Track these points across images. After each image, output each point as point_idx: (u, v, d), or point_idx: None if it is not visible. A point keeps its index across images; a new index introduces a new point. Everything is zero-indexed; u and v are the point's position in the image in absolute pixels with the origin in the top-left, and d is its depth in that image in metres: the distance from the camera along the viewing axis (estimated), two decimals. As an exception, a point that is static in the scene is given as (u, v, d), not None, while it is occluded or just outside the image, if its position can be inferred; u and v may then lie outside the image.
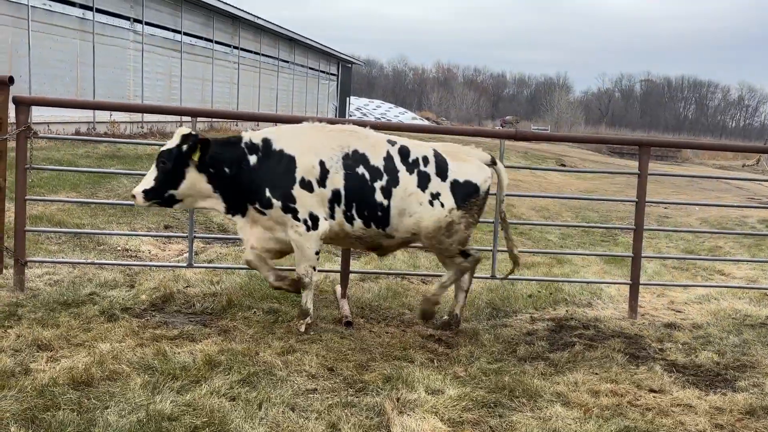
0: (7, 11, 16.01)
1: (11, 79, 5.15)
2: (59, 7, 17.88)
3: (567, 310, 5.81)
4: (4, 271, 5.40)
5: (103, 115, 19.32)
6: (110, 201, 8.59)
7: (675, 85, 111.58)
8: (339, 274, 5.80)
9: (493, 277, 5.81)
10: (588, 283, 6.58)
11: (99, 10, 19.41)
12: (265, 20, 30.08)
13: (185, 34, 24.65)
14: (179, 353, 4.13)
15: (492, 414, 3.62)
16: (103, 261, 6.19)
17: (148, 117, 21.57)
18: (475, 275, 5.25)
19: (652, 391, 4.09)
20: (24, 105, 5.24)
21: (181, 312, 5.11)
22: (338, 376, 4.02)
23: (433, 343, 4.78)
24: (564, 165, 29.70)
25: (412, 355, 4.46)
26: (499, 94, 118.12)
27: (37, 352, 4.02)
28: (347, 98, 49.82)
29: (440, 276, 6.55)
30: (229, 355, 4.13)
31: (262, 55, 31.98)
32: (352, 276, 5.99)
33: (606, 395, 3.94)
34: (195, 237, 5.82)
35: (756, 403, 3.92)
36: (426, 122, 58.56)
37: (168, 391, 3.51)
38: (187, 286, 5.69)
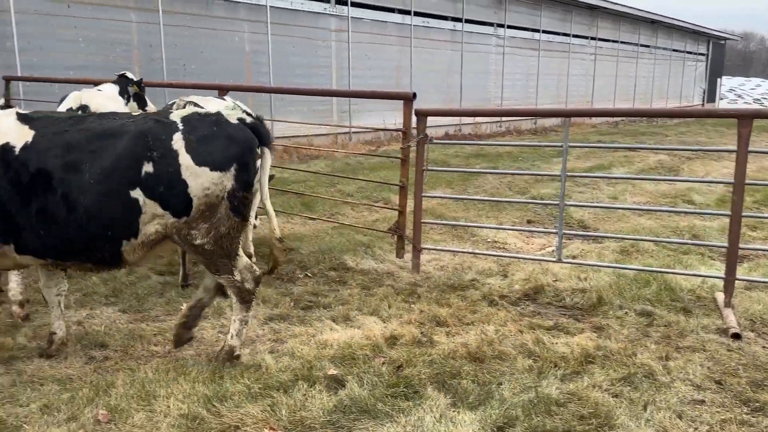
0: (393, 32, 18.78)
1: (414, 95, 6.11)
2: (435, 23, 20.20)
3: None
4: (404, 255, 6.46)
5: (467, 117, 21.16)
6: (480, 197, 9.43)
7: None
8: (722, 280, 5.30)
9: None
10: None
11: (467, 21, 21.28)
12: (624, 6, 28.77)
13: (543, 32, 25.22)
14: (556, 343, 4.37)
15: None
16: (480, 251, 6.87)
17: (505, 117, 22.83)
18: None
19: None
20: (423, 116, 6.15)
21: (552, 304, 5.37)
22: (728, 391, 3.74)
23: None
24: None
25: (822, 382, 3.85)
26: None
27: (437, 326, 4.73)
28: (718, 79, 44.18)
29: None
30: (606, 352, 4.21)
31: (621, 42, 30.65)
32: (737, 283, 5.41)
33: None
34: (564, 233, 6.02)
35: None
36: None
37: (552, 378, 3.76)
38: (555, 280, 5.92)
